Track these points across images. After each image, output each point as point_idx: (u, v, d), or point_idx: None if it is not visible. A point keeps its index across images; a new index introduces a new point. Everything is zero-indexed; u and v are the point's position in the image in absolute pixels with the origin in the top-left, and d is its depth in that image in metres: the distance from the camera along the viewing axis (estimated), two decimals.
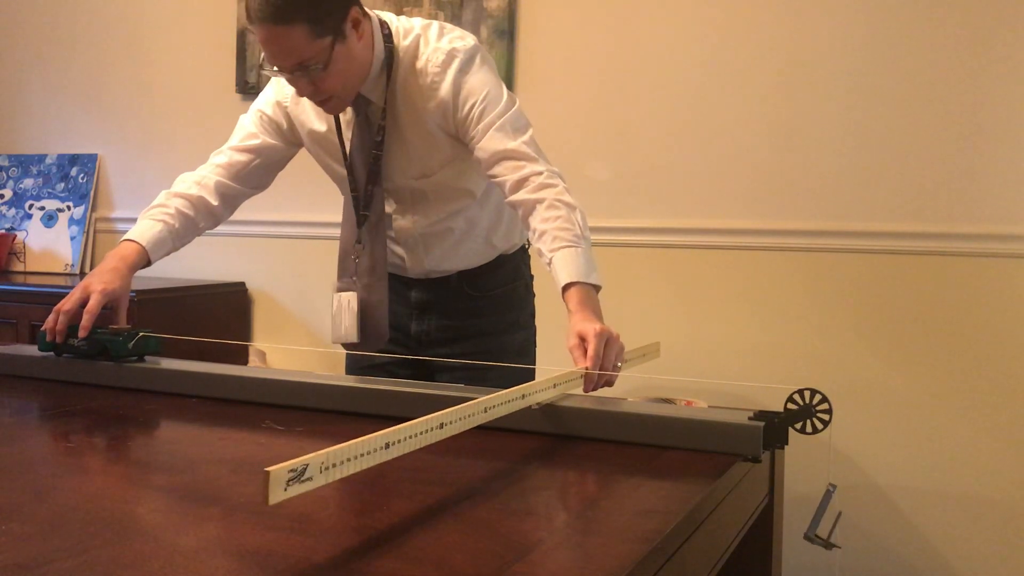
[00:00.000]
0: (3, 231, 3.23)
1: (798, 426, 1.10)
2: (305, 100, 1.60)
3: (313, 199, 2.66)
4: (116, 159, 3.16)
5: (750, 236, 2.38)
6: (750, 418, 1.11)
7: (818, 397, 1.09)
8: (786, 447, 1.15)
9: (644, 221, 2.47)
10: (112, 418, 1.27)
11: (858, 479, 2.30)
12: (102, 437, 1.19)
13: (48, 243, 3.18)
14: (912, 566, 2.27)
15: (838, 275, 2.32)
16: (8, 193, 3.28)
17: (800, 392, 1.10)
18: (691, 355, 2.41)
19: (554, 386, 1.17)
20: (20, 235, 3.22)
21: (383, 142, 1.56)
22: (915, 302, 2.26)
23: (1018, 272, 2.18)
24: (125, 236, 1.59)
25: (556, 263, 1.38)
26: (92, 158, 3.18)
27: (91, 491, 0.91)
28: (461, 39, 1.54)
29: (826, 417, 1.09)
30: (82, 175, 3.18)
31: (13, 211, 3.26)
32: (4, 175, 3.30)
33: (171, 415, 1.28)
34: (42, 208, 3.22)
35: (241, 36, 2.89)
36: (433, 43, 1.53)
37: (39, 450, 1.08)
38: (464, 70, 1.50)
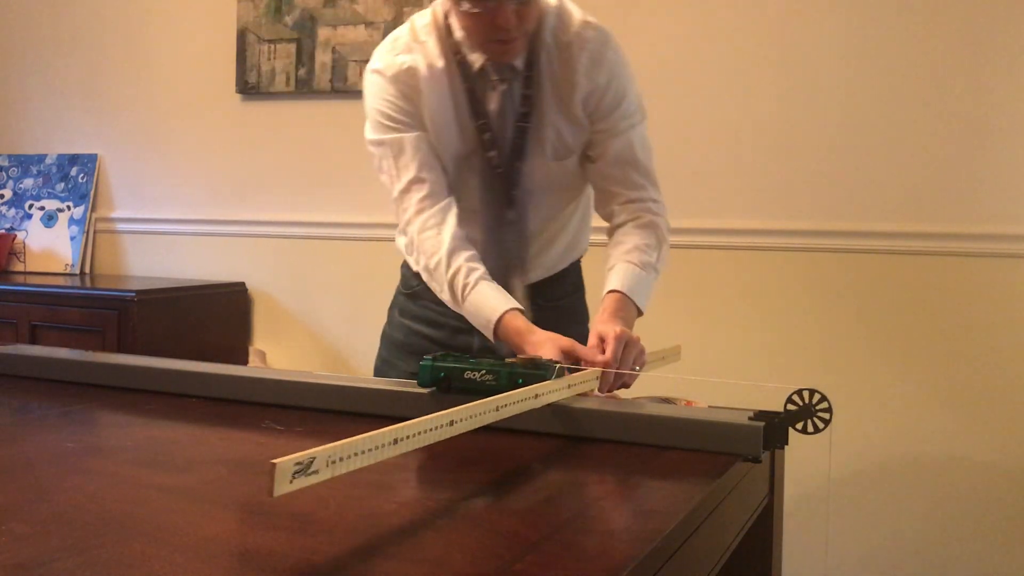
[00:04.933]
0: (3, 231, 3.23)
1: (798, 426, 1.10)
2: (419, 80, 1.44)
3: (313, 199, 2.65)
4: (116, 159, 3.16)
5: (750, 236, 2.38)
6: (750, 418, 1.10)
7: (818, 397, 1.09)
8: (786, 447, 1.15)
9: None
10: (112, 418, 1.27)
11: (858, 478, 2.30)
12: (102, 437, 1.19)
13: (48, 243, 3.19)
14: (912, 565, 2.27)
15: (838, 275, 2.32)
16: (8, 193, 3.28)
17: (800, 392, 1.10)
18: (691, 355, 2.41)
19: (568, 387, 1.17)
20: (20, 235, 3.22)
21: (529, 114, 1.45)
22: (915, 302, 2.26)
23: (1018, 272, 2.18)
24: (498, 316, 1.38)
25: (616, 271, 1.37)
26: (92, 158, 3.18)
27: (91, 491, 0.90)
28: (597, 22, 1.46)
29: (826, 417, 1.08)
30: (82, 175, 3.18)
31: (13, 211, 3.26)
32: (4, 175, 3.30)
33: (171, 415, 1.28)
34: (42, 208, 3.22)
35: (241, 36, 2.88)
36: (579, 17, 1.45)
37: (39, 450, 1.07)
38: (617, 59, 1.45)
